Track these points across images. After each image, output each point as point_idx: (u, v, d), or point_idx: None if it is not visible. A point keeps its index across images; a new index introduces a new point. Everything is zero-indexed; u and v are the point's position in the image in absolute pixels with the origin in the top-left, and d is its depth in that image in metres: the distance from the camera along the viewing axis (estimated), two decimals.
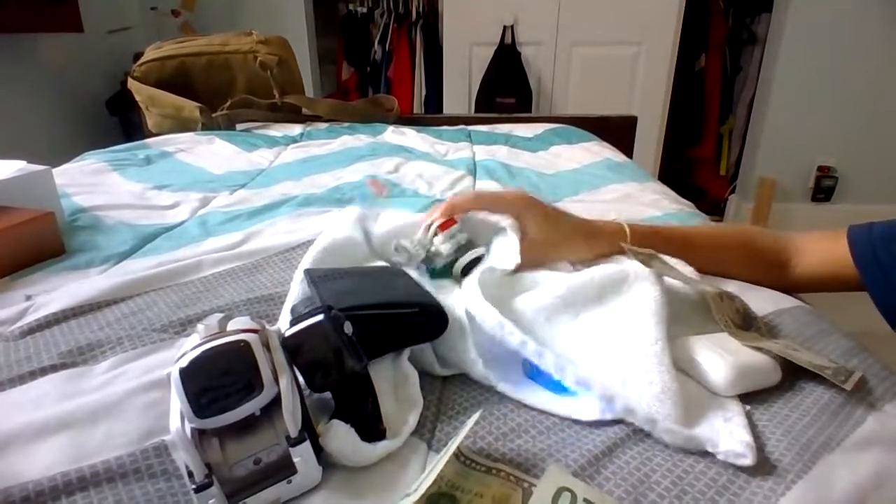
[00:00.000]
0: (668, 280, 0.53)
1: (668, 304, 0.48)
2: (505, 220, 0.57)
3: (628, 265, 0.52)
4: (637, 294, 0.49)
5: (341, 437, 0.37)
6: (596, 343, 0.47)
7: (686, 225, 0.81)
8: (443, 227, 0.56)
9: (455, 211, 0.58)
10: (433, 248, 0.56)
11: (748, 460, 0.37)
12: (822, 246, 0.63)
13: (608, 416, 0.42)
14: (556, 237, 0.59)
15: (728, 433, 0.39)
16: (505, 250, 0.55)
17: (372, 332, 0.42)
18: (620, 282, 0.51)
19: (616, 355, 0.45)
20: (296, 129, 1.57)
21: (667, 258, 0.61)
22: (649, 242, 0.63)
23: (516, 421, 0.43)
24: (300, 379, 0.38)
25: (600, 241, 0.61)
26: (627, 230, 0.61)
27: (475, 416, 0.38)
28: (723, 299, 0.52)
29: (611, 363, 0.45)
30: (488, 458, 0.38)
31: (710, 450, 0.38)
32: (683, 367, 0.46)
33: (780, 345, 0.48)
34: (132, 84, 1.67)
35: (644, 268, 0.51)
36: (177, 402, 0.33)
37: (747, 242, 0.67)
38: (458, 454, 0.38)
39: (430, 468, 0.34)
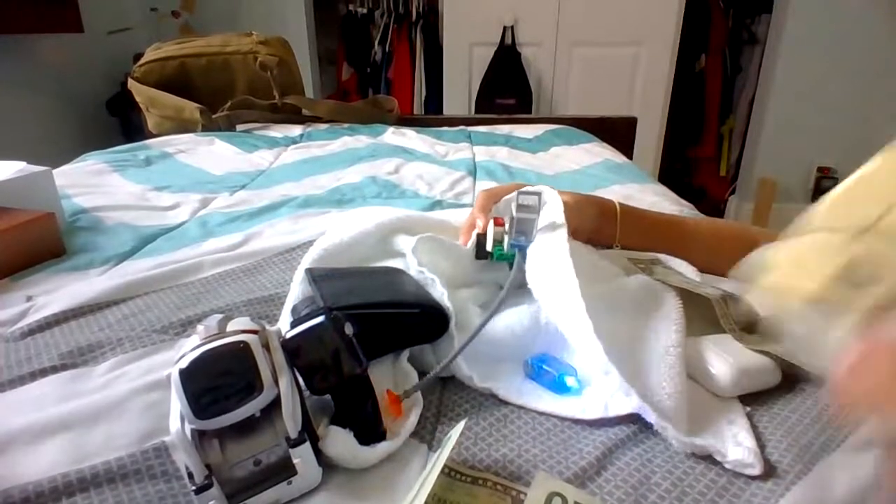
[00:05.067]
0: (672, 283, 0.54)
1: (683, 314, 0.49)
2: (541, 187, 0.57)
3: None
4: (662, 304, 0.50)
5: (340, 441, 0.37)
6: (622, 343, 0.47)
7: None
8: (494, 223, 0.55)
9: (491, 200, 0.58)
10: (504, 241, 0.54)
11: (756, 470, 0.37)
12: None
13: (611, 415, 0.42)
14: (577, 211, 0.59)
15: (733, 438, 0.39)
16: (551, 207, 0.55)
17: (373, 331, 0.42)
18: (650, 291, 0.52)
19: (637, 357, 0.45)
20: (296, 130, 1.57)
21: (668, 259, 0.61)
22: (640, 225, 0.63)
23: (516, 423, 0.43)
24: (300, 380, 0.38)
25: (604, 215, 0.62)
26: (618, 209, 0.62)
27: (459, 427, 0.37)
28: (727, 302, 0.52)
29: (632, 362, 0.45)
30: (473, 469, 0.38)
31: (718, 459, 0.38)
32: (687, 369, 0.46)
33: (785, 347, 0.48)
34: (132, 85, 1.68)
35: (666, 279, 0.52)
36: (177, 403, 0.33)
37: (746, 238, 0.67)
38: (442, 467, 0.38)
39: (419, 486, 0.33)
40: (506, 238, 0.52)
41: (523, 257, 0.51)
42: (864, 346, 0.22)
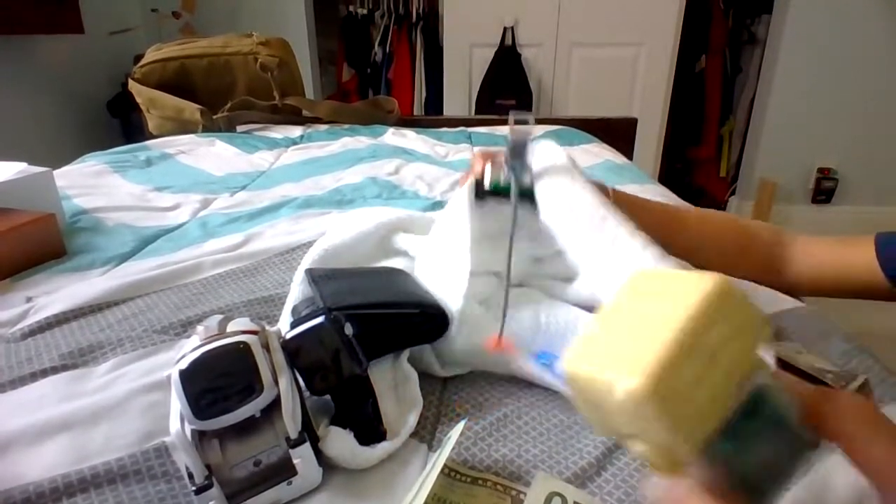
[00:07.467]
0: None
1: None
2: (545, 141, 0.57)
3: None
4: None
5: (340, 442, 0.37)
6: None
7: None
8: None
9: (489, 155, 0.58)
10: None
11: None
12: (831, 250, 0.62)
13: None
14: None
15: None
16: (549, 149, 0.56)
17: (373, 332, 0.42)
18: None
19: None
20: (296, 131, 1.58)
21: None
22: (631, 211, 0.63)
23: (516, 423, 0.43)
24: (300, 380, 0.38)
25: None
26: (611, 193, 0.62)
27: (459, 427, 0.37)
28: None
29: None
30: (473, 469, 0.38)
31: None
32: None
33: (784, 348, 0.48)
34: (133, 86, 1.68)
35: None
36: (177, 403, 0.33)
37: (734, 227, 0.67)
38: (442, 467, 0.38)
39: (419, 486, 0.33)
40: (501, 175, 0.53)
41: (529, 192, 0.51)
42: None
